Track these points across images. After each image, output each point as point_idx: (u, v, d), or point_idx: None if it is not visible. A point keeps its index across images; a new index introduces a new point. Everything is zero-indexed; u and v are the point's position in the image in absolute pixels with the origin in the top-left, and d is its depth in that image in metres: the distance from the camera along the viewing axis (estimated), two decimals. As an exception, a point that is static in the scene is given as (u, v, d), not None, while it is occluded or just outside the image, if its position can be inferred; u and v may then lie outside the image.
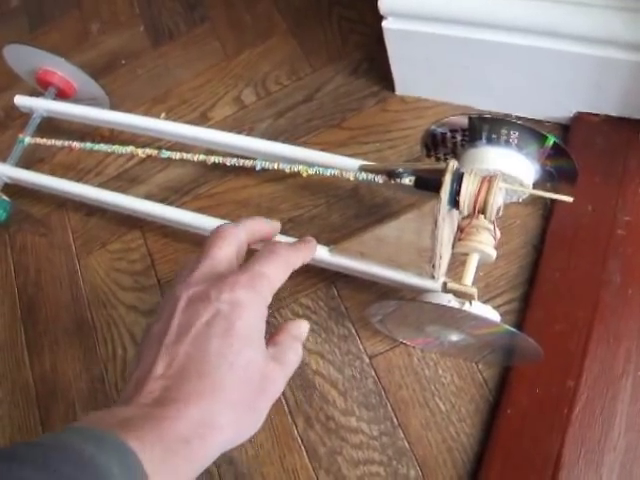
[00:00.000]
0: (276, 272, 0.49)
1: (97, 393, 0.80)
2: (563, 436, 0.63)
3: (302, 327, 0.54)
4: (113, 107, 0.99)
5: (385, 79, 0.86)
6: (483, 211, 0.58)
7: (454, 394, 0.69)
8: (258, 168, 0.68)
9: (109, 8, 1.12)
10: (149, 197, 0.88)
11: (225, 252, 0.51)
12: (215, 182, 0.87)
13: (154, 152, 0.75)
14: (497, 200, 0.57)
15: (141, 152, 0.76)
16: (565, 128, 0.79)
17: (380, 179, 0.62)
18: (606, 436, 0.63)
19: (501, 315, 0.69)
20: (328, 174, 0.64)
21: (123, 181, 0.92)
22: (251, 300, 0.46)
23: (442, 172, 0.58)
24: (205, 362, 0.43)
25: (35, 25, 1.17)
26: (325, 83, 0.91)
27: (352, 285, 0.74)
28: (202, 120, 0.93)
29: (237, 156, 0.71)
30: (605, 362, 0.65)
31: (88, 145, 0.80)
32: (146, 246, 0.86)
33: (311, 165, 0.71)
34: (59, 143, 0.83)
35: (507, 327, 0.57)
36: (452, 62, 0.77)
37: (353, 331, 0.74)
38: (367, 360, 0.73)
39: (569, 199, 0.58)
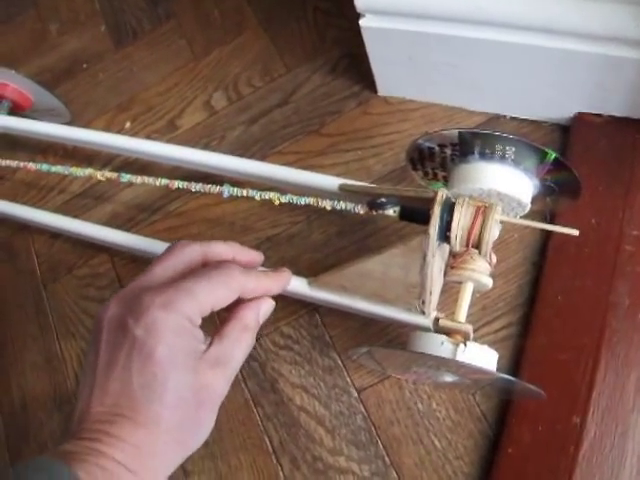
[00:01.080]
0: (207, 290, 0.46)
1: (69, 431, 0.75)
2: (570, 478, 0.58)
3: (263, 308, 0.51)
4: (75, 116, 0.92)
5: (367, 77, 0.79)
6: (477, 246, 0.52)
7: (450, 430, 0.64)
8: (226, 195, 0.61)
9: (68, 6, 1.04)
10: (115, 217, 0.83)
11: (165, 268, 0.48)
12: (186, 198, 0.81)
13: (114, 175, 0.68)
14: (493, 234, 0.51)
15: (100, 175, 0.69)
16: (565, 129, 0.72)
17: (361, 209, 0.56)
18: (616, 477, 0.58)
19: (500, 341, 0.65)
20: (302, 203, 0.58)
21: (88, 199, 0.86)
22: (167, 322, 0.43)
23: (430, 202, 0.52)
24: (133, 397, 0.43)
25: (-11, 26, 1.09)
26: (301, 84, 0.84)
27: (337, 312, 0.68)
28: (170, 129, 0.87)
29: (202, 180, 0.65)
30: (614, 395, 0.60)
31: (44, 167, 0.74)
32: (114, 270, 0.80)
33: (285, 184, 0.65)
34: (14, 164, 0.77)
35: (504, 376, 0.51)
36: (438, 61, 0.70)
37: (339, 362, 0.69)
38: (355, 394, 0.67)
39: (575, 232, 0.52)
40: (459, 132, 0.56)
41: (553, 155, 0.55)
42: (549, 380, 0.61)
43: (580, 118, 0.70)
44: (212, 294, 0.46)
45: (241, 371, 0.70)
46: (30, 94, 0.87)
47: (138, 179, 0.67)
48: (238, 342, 0.48)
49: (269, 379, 0.70)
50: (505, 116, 0.74)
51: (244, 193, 0.61)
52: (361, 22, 0.68)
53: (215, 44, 0.91)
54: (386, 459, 0.65)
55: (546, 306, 0.64)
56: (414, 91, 0.77)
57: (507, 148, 0.55)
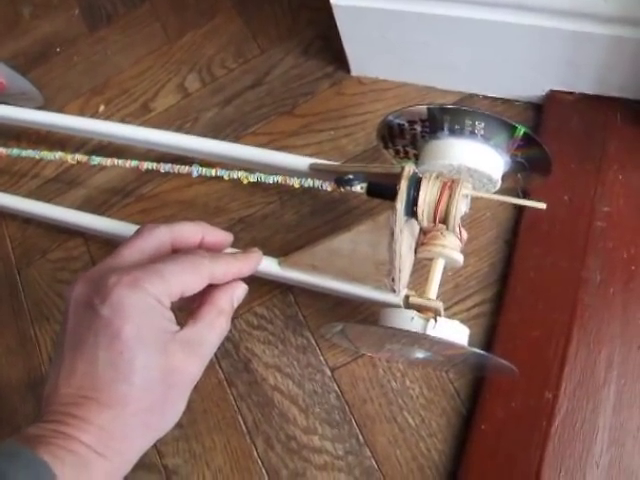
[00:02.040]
0: (177, 273, 0.45)
1: (44, 416, 0.74)
2: (542, 453, 0.58)
3: (237, 293, 0.50)
4: (48, 100, 0.91)
5: (340, 58, 0.79)
6: (444, 221, 0.51)
7: (424, 407, 0.64)
8: (195, 175, 0.61)
9: (40, -11, 1.03)
10: (89, 201, 0.82)
11: (132, 250, 0.47)
12: (159, 181, 0.80)
13: (84, 158, 0.68)
14: (460, 209, 0.51)
15: (70, 158, 0.68)
16: (538, 108, 0.72)
17: (328, 186, 0.55)
18: (588, 452, 0.58)
19: (473, 318, 0.65)
20: (271, 181, 0.58)
21: (61, 183, 0.85)
22: (133, 299, 0.42)
23: (397, 178, 0.51)
24: (99, 377, 0.41)
25: (-40, 11, 1.07)
26: (274, 65, 0.84)
27: (310, 292, 0.68)
28: (144, 112, 0.86)
29: (175, 162, 0.64)
30: (585, 370, 0.60)
31: (15, 151, 0.73)
32: (89, 253, 0.80)
33: (256, 165, 0.65)
34: None
35: (476, 350, 0.51)
36: (410, 40, 0.69)
37: (312, 341, 0.69)
38: (329, 373, 0.67)
39: (542, 206, 0.51)
40: (428, 108, 0.55)
41: (522, 130, 0.55)
42: (521, 357, 0.61)
43: (552, 96, 0.70)
44: (181, 278, 0.45)
45: (215, 352, 0.70)
46: (2, 78, 0.86)
47: (108, 161, 0.66)
48: (212, 326, 0.47)
49: (243, 359, 0.69)
50: (478, 95, 0.74)
51: (213, 173, 0.61)
52: (332, 0, 0.67)
53: (189, 27, 0.91)
54: (360, 437, 0.64)
55: (518, 283, 0.64)
56: (387, 71, 0.77)
57: (476, 123, 0.55)
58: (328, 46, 0.82)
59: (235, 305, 0.50)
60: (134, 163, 0.64)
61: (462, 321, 0.56)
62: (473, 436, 0.61)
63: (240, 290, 0.50)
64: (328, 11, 0.69)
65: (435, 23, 0.66)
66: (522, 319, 0.63)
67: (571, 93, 0.70)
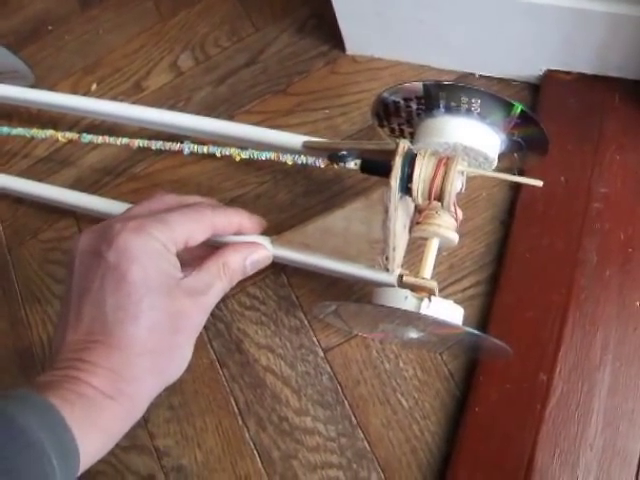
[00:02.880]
0: (182, 221, 0.47)
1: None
2: (536, 435, 0.58)
3: (252, 255, 0.53)
4: (40, 78, 0.90)
5: (335, 37, 0.77)
6: (439, 198, 0.51)
7: (417, 389, 0.64)
8: (186, 152, 0.60)
9: (32, -33, 1.01)
10: (81, 180, 0.81)
11: (141, 209, 0.49)
12: (152, 159, 0.79)
13: (75, 136, 0.67)
14: (455, 185, 0.50)
15: (61, 136, 0.68)
16: (535, 88, 0.71)
17: (321, 162, 0.54)
18: (582, 434, 0.58)
19: (468, 299, 0.65)
20: (263, 158, 0.57)
21: (53, 162, 0.83)
22: (139, 243, 0.44)
23: (391, 154, 0.50)
24: (107, 320, 0.42)
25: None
26: (269, 44, 0.82)
27: (303, 272, 0.67)
28: (136, 91, 0.85)
29: (165, 139, 0.63)
30: (581, 352, 0.60)
31: (4, 130, 0.72)
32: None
33: (250, 143, 0.64)
34: None
35: (470, 330, 0.51)
36: (406, 17, 0.68)
37: (305, 322, 0.68)
38: (321, 354, 0.67)
39: (539, 183, 0.51)
40: (423, 84, 0.55)
41: (519, 107, 0.54)
42: (516, 338, 0.60)
43: (549, 76, 0.69)
44: (185, 226, 0.47)
45: (206, 332, 0.69)
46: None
47: (99, 139, 0.65)
48: (216, 276, 0.48)
49: (235, 340, 0.69)
50: (474, 74, 0.73)
51: (205, 150, 0.60)
52: (327, -23, 0.66)
53: (182, 5, 0.89)
54: (352, 419, 0.64)
55: (514, 264, 0.64)
56: (383, 49, 0.76)
57: (472, 101, 0.54)
58: (323, 24, 0.81)
59: (250, 269, 0.53)
60: (125, 141, 0.63)
61: (457, 302, 0.56)
62: (467, 418, 0.60)
63: (257, 254, 0.53)
64: (323, -12, 0.68)
65: (431, 0, 0.64)
66: (517, 300, 0.62)
67: (569, 73, 0.69)
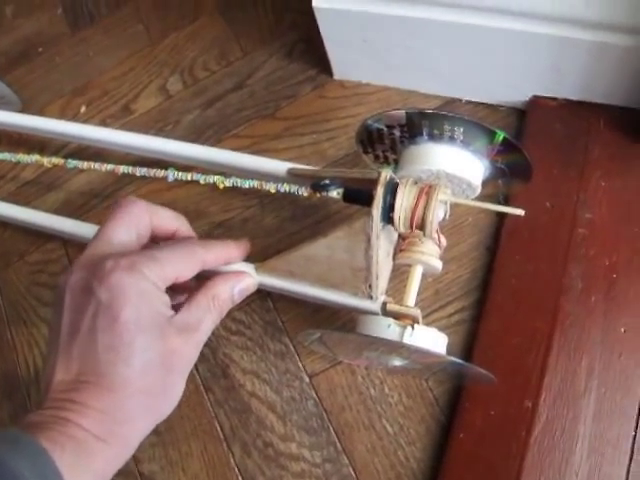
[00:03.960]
0: (172, 259, 0.47)
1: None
2: (521, 462, 0.58)
3: (239, 284, 0.52)
4: (30, 100, 0.90)
5: (323, 61, 0.78)
6: (421, 227, 0.51)
7: (402, 415, 0.63)
8: (170, 179, 0.61)
9: (24, -11, 1.02)
10: (68, 203, 0.81)
11: (118, 231, 0.48)
12: (139, 183, 0.79)
13: (60, 161, 0.67)
14: (437, 215, 0.50)
15: (47, 162, 0.68)
16: (521, 113, 0.72)
17: (304, 191, 0.55)
18: (567, 461, 0.58)
19: (453, 325, 0.65)
20: (247, 186, 0.57)
21: (40, 185, 0.84)
22: (131, 282, 0.43)
23: (374, 183, 0.51)
24: (99, 360, 0.42)
25: (-57, 9, 1.06)
26: (257, 68, 0.83)
27: (289, 297, 0.67)
28: (125, 113, 0.85)
29: (154, 165, 0.64)
30: (566, 379, 0.60)
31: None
32: (67, 257, 0.79)
33: (235, 169, 0.64)
34: None
35: (453, 359, 0.50)
36: (392, 43, 0.69)
37: (291, 347, 0.68)
38: (307, 379, 0.66)
39: (520, 212, 0.51)
40: (406, 112, 0.55)
41: (502, 135, 0.54)
42: (501, 364, 0.60)
43: (535, 102, 0.70)
44: (175, 264, 0.46)
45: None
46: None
47: (84, 165, 0.66)
48: (206, 310, 0.48)
49: (220, 365, 0.68)
50: (461, 100, 0.74)
51: (189, 177, 0.60)
52: (314, 3, 0.66)
53: (172, 29, 0.90)
54: (338, 445, 0.64)
55: (499, 290, 0.64)
56: (370, 75, 0.76)
57: (455, 128, 0.54)
58: (311, 49, 0.81)
59: (237, 297, 0.52)
60: (110, 167, 0.64)
61: (442, 328, 0.56)
62: (452, 445, 0.60)
63: (244, 282, 0.52)
64: (311, 14, 0.68)
65: (416, 27, 0.65)
66: (503, 326, 0.62)
67: (554, 99, 0.69)
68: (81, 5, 0.96)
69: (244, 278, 0.53)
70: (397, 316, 0.54)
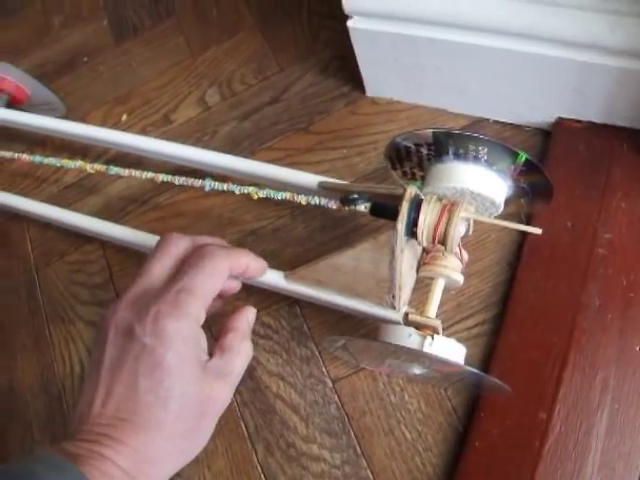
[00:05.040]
0: (204, 284, 0.48)
1: (55, 414, 0.76)
2: (533, 473, 0.59)
3: (250, 316, 0.52)
4: (73, 107, 0.94)
5: (356, 79, 0.80)
6: (443, 242, 0.53)
7: (421, 422, 0.65)
8: (207, 189, 0.64)
9: (72, 0, 1.06)
10: (107, 207, 0.85)
11: (162, 268, 0.49)
12: (175, 191, 0.82)
13: (102, 167, 0.71)
14: (458, 231, 0.53)
15: (89, 167, 0.72)
16: (546, 134, 0.73)
17: (334, 204, 0.57)
18: (579, 473, 0.59)
19: (473, 337, 0.66)
20: (279, 197, 0.60)
21: (81, 189, 0.87)
22: (177, 328, 0.45)
23: (399, 199, 0.53)
24: (137, 401, 0.43)
25: (-6, 18, 1.11)
26: (293, 83, 0.86)
27: (316, 305, 0.69)
28: (165, 123, 0.88)
29: (191, 174, 0.68)
30: (580, 393, 0.61)
31: (37, 158, 0.76)
32: (105, 258, 0.82)
33: (268, 180, 0.67)
34: (8, 155, 0.79)
35: (470, 369, 0.53)
36: (423, 64, 0.71)
37: (316, 353, 0.70)
38: (330, 384, 0.69)
39: (538, 231, 0.53)
40: (433, 132, 0.57)
41: (524, 157, 0.56)
42: (518, 377, 0.62)
43: (560, 123, 0.72)
44: (209, 287, 0.48)
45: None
46: (27, 89, 0.89)
47: (125, 172, 0.69)
48: (239, 353, 0.49)
49: (247, 367, 0.71)
50: (488, 119, 0.76)
51: (225, 187, 0.63)
52: (349, 23, 0.69)
53: (212, 42, 0.93)
54: (357, 448, 0.66)
55: (519, 305, 0.65)
56: (401, 93, 0.79)
57: (480, 148, 0.57)
58: (345, 66, 0.84)
59: (251, 327, 0.53)
60: (149, 175, 0.67)
61: (463, 339, 0.58)
62: (467, 452, 0.62)
63: (252, 314, 0.53)
64: (346, 33, 0.71)
65: (446, 49, 0.67)
66: (521, 340, 0.64)
67: (579, 121, 0.71)
68: (125, 18, 1.00)
69: (251, 309, 0.54)
70: (418, 326, 0.56)
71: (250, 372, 0.71)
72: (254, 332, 0.72)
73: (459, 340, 0.55)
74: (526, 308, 0.65)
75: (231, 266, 0.51)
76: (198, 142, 0.85)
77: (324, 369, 0.70)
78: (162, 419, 0.43)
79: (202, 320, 0.47)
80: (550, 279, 0.65)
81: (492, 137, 0.56)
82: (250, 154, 0.81)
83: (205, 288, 0.48)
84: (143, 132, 0.88)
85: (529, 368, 0.62)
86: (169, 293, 0.46)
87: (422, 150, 0.60)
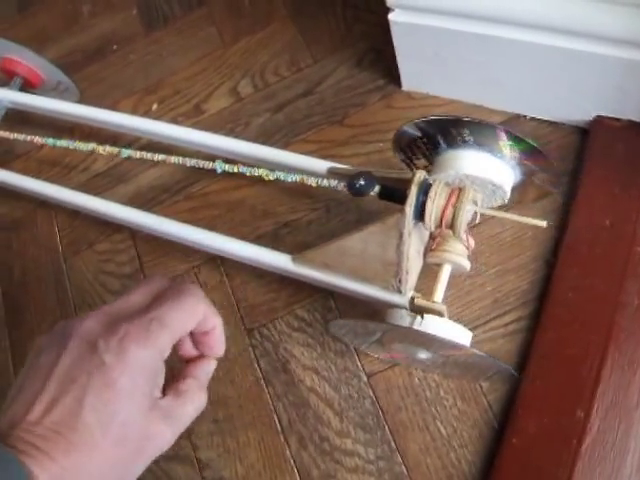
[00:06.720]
0: (178, 319, 0.45)
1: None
2: (571, 471, 0.59)
3: (210, 368, 0.50)
4: (104, 95, 0.94)
5: (391, 72, 0.80)
6: (451, 226, 0.54)
7: (456, 418, 0.65)
8: (219, 171, 0.65)
9: (100, -12, 1.06)
10: (138, 196, 0.84)
11: (140, 296, 0.47)
12: (208, 180, 0.82)
13: (115, 150, 0.71)
14: (465, 215, 0.54)
15: (102, 149, 0.72)
16: (584, 132, 0.73)
17: (342, 187, 0.58)
18: (617, 473, 0.59)
19: (510, 334, 0.66)
20: (290, 180, 0.62)
21: (111, 178, 0.87)
22: (140, 355, 0.42)
23: (408, 183, 0.54)
24: (78, 417, 0.40)
25: (24, 5, 1.10)
26: (327, 75, 0.85)
27: (350, 298, 0.69)
28: (196, 113, 0.88)
29: (198, 157, 0.68)
30: (619, 391, 0.61)
31: (50, 141, 0.76)
32: (135, 248, 0.82)
33: (279, 166, 0.69)
34: (21, 137, 0.78)
35: (476, 351, 0.54)
36: (463, 58, 0.71)
37: (351, 347, 0.70)
38: (365, 379, 0.69)
39: (542, 224, 0.53)
40: (414, 124, 0.60)
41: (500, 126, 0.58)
42: (556, 374, 0.62)
43: (599, 121, 0.71)
44: (182, 322, 0.46)
45: (253, 350, 0.72)
46: (41, 72, 0.90)
47: (137, 154, 0.70)
48: (193, 401, 0.47)
49: (281, 359, 0.71)
50: (525, 116, 0.75)
51: (235, 169, 0.64)
52: (390, 16, 0.69)
53: (244, 33, 0.93)
54: (392, 444, 0.66)
55: (556, 302, 0.65)
56: (438, 87, 0.79)
57: (463, 131, 0.59)
58: (380, 60, 0.84)
59: (209, 379, 0.51)
60: (161, 157, 0.68)
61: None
62: (504, 450, 0.62)
63: (212, 365, 0.51)
64: (382, 25, 0.70)
65: (489, 44, 0.67)
66: (558, 337, 0.64)
67: (618, 119, 0.71)
68: (155, 6, 1.00)
69: (211, 361, 0.51)
70: (424, 310, 0.57)
71: (284, 365, 0.71)
72: (288, 324, 0.72)
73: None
74: (564, 305, 0.65)
75: (206, 312, 0.48)
76: (231, 133, 0.85)
77: (359, 363, 0.69)
78: (98, 443, 0.41)
79: (166, 354, 0.45)
80: (588, 277, 0.65)
81: (468, 116, 0.57)
82: (284, 146, 0.81)
83: (178, 323, 0.46)
84: (174, 122, 0.87)
85: (567, 366, 0.62)
86: (142, 319, 0.44)
87: (420, 144, 0.62)
